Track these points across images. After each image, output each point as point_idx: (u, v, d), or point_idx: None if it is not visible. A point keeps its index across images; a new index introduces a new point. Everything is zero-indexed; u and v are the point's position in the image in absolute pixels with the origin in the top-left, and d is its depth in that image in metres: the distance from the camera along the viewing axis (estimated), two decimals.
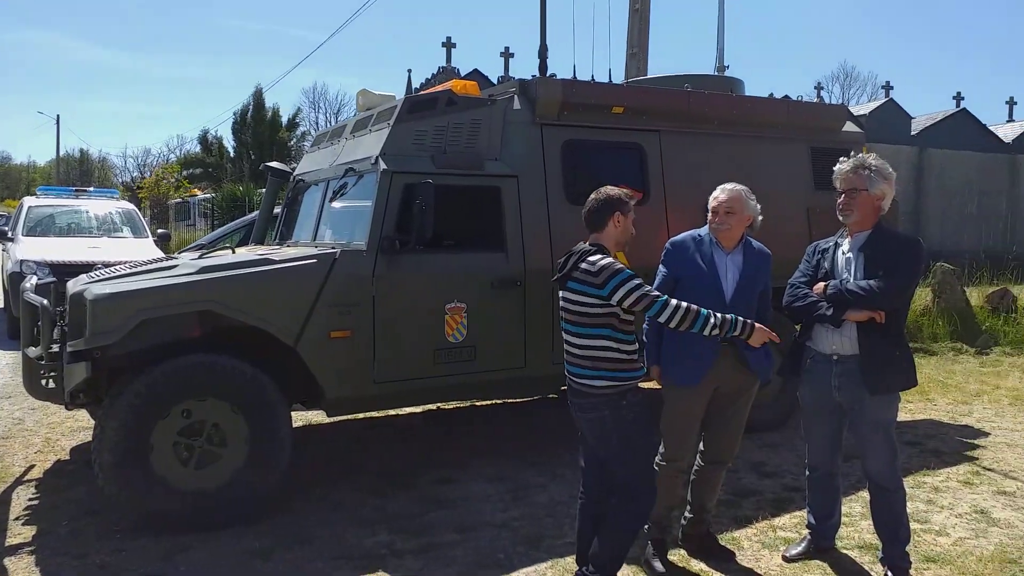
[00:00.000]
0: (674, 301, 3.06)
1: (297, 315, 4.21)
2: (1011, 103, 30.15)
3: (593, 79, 6.33)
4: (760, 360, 3.49)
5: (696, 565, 3.65)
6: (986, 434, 5.99)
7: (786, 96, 6.72)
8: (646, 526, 3.67)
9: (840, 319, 3.30)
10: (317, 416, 6.18)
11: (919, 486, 4.71)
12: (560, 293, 3.23)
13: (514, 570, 3.63)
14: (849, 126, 6.47)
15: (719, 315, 3.09)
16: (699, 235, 3.57)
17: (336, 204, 5.04)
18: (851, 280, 3.33)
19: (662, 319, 3.06)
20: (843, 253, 3.44)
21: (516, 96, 5.11)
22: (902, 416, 6.51)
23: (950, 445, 5.65)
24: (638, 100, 5.45)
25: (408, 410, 6.52)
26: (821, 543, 3.71)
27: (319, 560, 3.73)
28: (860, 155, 3.48)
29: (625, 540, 3.22)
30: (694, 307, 3.07)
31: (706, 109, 5.70)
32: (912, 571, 3.49)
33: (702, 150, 5.66)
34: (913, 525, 4.05)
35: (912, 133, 23.32)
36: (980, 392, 7.54)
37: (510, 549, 3.86)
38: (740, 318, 3.15)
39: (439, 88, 5.22)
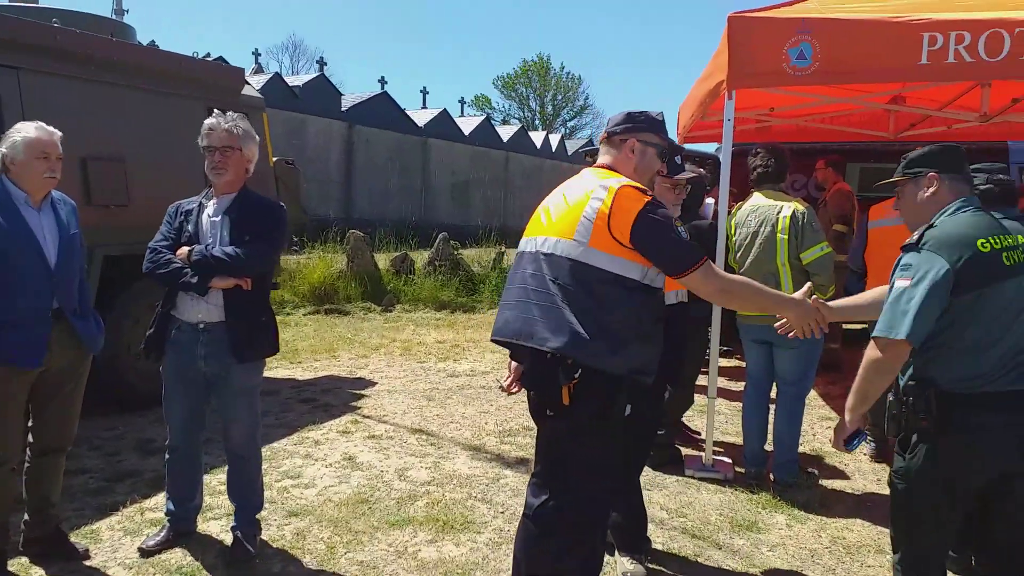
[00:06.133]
0: None
1: None
2: (424, 92, 34.80)
3: None
4: (91, 330, 3.16)
5: (36, 571, 3.15)
6: (374, 384, 6.65)
7: (221, 58, 6.38)
8: None
9: (206, 287, 3.12)
10: None
11: (302, 442, 4.94)
12: None
13: None
14: (249, 90, 6.44)
15: None
16: None
17: None
18: (216, 245, 3.18)
19: None
20: (209, 216, 3.25)
21: None
22: (304, 375, 6.90)
23: (341, 398, 6.11)
24: None
25: None
26: (181, 527, 3.47)
27: None
28: (230, 114, 3.31)
29: None
30: None
31: (80, 50, 5.02)
32: (276, 528, 3.58)
33: (79, 97, 5.00)
34: (286, 482, 4.22)
35: (343, 109, 25.13)
36: (379, 346, 8.42)
37: None
38: None
39: None
